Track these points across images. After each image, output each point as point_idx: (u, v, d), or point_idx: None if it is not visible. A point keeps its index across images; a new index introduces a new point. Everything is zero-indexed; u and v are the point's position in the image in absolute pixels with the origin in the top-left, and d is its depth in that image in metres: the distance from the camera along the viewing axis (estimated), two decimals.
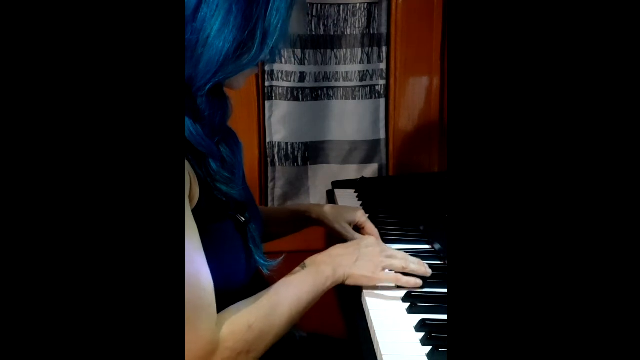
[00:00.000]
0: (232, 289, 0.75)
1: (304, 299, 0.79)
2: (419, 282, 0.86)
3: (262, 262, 0.80)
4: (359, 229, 1.08)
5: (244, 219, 0.79)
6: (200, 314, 0.67)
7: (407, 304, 0.82)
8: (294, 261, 0.86)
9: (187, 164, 0.69)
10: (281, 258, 0.83)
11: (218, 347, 0.69)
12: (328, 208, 1.10)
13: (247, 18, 0.67)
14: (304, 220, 1.11)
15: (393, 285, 0.87)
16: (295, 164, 1.62)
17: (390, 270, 0.87)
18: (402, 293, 0.85)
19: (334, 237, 1.11)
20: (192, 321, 0.66)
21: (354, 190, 1.48)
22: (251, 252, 0.80)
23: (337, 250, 0.87)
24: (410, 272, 0.87)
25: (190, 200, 0.71)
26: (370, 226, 1.07)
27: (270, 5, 0.68)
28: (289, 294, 0.78)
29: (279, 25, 0.69)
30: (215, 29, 0.66)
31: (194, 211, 0.70)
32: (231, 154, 0.78)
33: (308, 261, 0.85)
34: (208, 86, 0.70)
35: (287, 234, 1.16)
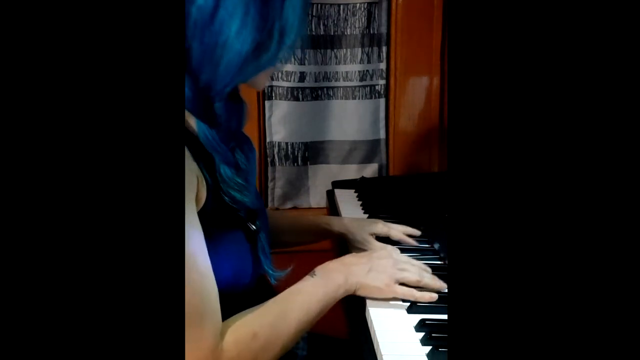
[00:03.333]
0: (236, 293, 0.74)
1: (313, 308, 0.76)
2: (435, 296, 0.81)
3: (271, 272, 0.79)
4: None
5: (254, 228, 0.77)
6: (204, 321, 0.66)
7: (407, 304, 0.82)
8: (300, 261, 0.85)
9: (195, 166, 0.69)
10: (290, 269, 0.81)
11: (221, 356, 0.67)
12: (349, 221, 1.08)
13: (264, 18, 0.67)
14: (325, 232, 1.09)
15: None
16: (295, 164, 1.62)
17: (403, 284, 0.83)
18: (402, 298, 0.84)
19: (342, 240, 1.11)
20: (194, 328, 0.64)
21: (354, 190, 1.48)
22: (260, 262, 0.78)
23: (349, 259, 0.85)
24: (424, 287, 0.83)
25: (197, 203, 0.69)
26: (395, 233, 1.05)
27: (285, 2, 0.68)
28: (298, 303, 0.76)
29: (296, 23, 0.69)
30: (233, 30, 0.66)
31: (199, 214, 0.69)
32: (246, 161, 0.77)
33: (318, 269, 0.81)
34: (228, 89, 0.70)
35: (305, 243, 1.14)
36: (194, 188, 0.68)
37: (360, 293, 0.82)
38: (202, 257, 0.67)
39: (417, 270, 0.84)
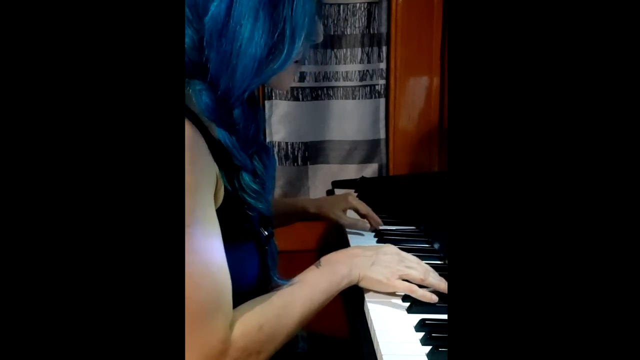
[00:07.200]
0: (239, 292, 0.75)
1: (317, 298, 0.78)
2: (435, 297, 0.82)
3: (275, 279, 0.81)
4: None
5: (267, 234, 0.80)
6: (217, 312, 0.68)
7: (407, 304, 0.82)
8: (289, 260, 0.86)
9: (216, 167, 0.71)
10: (292, 281, 0.81)
11: (230, 347, 0.69)
12: (321, 201, 1.18)
13: (274, 21, 0.68)
14: (302, 214, 1.18)
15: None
16: (295, 164, 1.62)
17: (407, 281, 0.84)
18: (403, 293, 0.84)
19: (330, 236, 1.13)
20: (207, 319, 0.66)
21: (354, 190, 1.48)
22: (267, 268, 0.80)
23: (355, 250, 0.87)
24: (428, 286, 0.83)
25: (215, 201, 0.71)
26: (362, 207, 1.16)
27: (295, 4, 0.69)
28: (302, 294, 0.78)
29: (306, 22, 0.70)
30: (246, 37, 0.67)
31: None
32: (263, 169, 0.79)
33: (323, 260, 0.84)
34: (246, 94, 0.72)
35: (285, 225, 1.19)
36: (214, 184, 0.70)
37: (363, 284, 0.84)
38: (219, 251, 0.69)
39: (423, 269, 0.85)
